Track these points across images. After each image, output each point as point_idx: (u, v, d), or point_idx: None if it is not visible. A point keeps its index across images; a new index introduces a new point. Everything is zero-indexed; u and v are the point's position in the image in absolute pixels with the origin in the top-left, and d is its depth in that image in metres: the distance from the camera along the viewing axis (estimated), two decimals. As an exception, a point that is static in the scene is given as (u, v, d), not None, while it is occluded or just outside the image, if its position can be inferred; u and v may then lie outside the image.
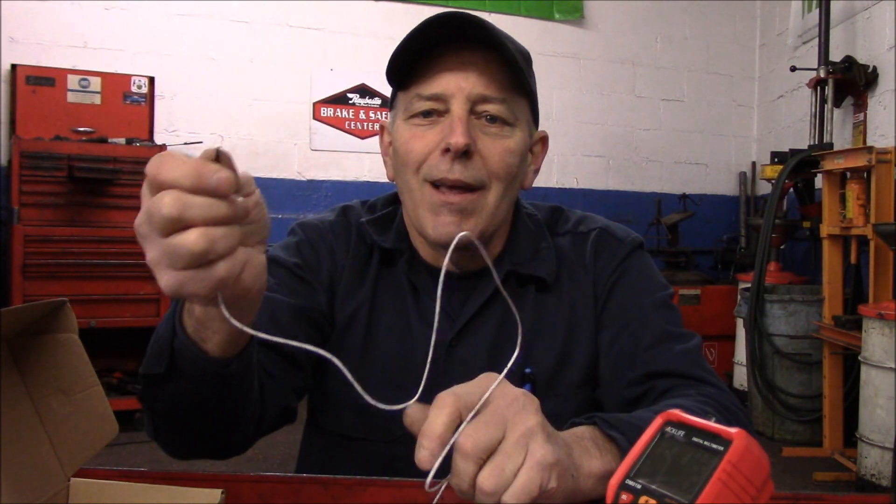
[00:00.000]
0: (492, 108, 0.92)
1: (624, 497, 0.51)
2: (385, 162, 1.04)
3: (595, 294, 1.01)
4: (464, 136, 0.88)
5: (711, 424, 0.51)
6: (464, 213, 0.92)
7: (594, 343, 1.00)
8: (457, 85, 0.90)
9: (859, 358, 3.23)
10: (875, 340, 3.12)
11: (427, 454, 0.57)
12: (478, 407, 0.59)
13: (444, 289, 0.99)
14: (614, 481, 0.52)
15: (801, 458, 3.64)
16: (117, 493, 0.71)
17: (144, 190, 0.55)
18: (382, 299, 1.00)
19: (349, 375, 0.61)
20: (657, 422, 0.54)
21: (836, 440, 3.66)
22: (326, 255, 1.01)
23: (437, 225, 0.92)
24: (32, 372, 0.66)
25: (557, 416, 0.96)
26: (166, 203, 0.52)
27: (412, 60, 0.92)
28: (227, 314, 0.57)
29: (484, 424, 0.58)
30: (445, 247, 0.95)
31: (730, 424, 0.77)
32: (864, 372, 3.18)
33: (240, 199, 0.55)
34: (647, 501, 0.50)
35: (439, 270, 0.97)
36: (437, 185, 0.92)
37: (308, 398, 1.05)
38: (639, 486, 0.51)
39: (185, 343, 0.70)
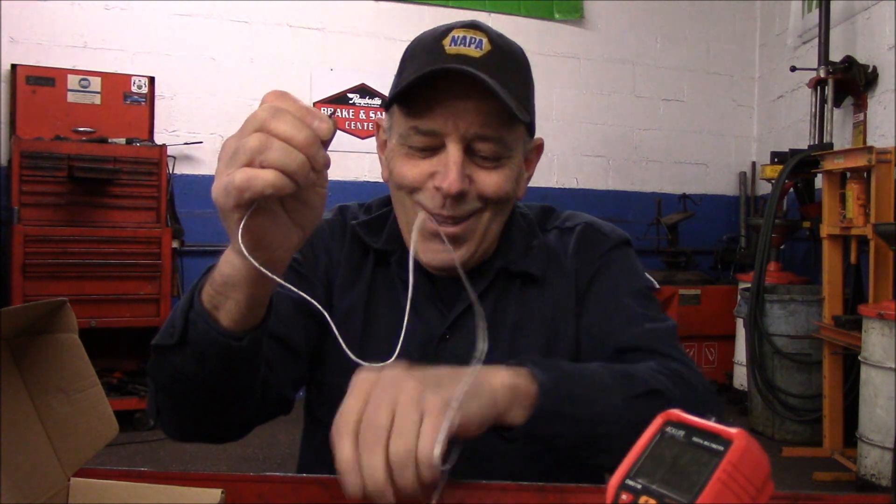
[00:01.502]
0: (486, 149, 0.92)
1: (624, 497, 0.51)
2: (380, 158, 1.05)
3: (577, 285, 1.02)
4: (458, 183, 0.90)
5: (712, 424, 0.52)
6: (456, 240, 0.94)
7: (576, 334, 1.01)
8: (454, 125, 0.90)
9: (859, 358, 3.23)
10: (875, 340, 3.12)
11: (355, 488, 0.63)
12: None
13: (433, 288, 1.01)
14: (614, 481, 0.52)
15: (801, 458, 3.64)
16: (117, 493, 0.71)
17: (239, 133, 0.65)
18: (378, 297, 1.03)
19: (336, 332, 0.70)
20: (657, 422, 0.54)
21: (835, 440, 3.66)
22: (323, 252, 1.04)
23: (427, 251, 0.95)
24: (32, 372, 0.66)
25: None
26: (264, 108, 0.62)
27: (414, 90, 0.92)
28: (240, 240, 0.64)
29: (373, 427, 0.63)
30: (438, 270, 0.98)
31: (687, 399, 0.78)
32: (864, 372, 3.18)
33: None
34: (646, 501, 0.50)
35: (430, 268, 0.99)
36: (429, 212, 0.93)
37: (306, 391, 1.08)
38: (639, 486, 0.51)
39: (201, 313, 0.73)
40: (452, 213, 0.92)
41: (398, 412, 0.63)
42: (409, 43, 1.01)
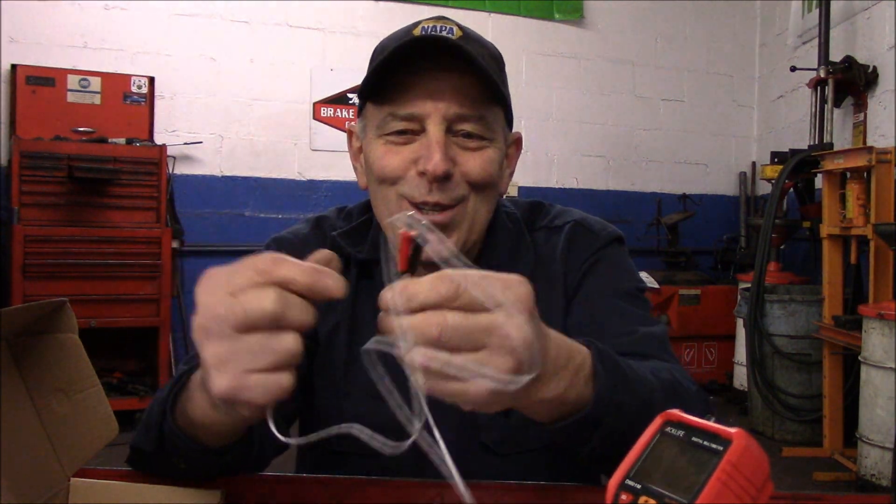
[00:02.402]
0: (468, 127, 0.89)
1: (623, 497, 0.51)
2: (355, 168, 1.01)
3: (565, 286, 0.99)
4: (443, 162, 0.86)
5: (711, 424, 0.51)
6: (444, 229, 0.90)
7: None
8: (433, 105, 0.87)
9: (859, 358, 3.23)
10: (875, 340, 3.12)
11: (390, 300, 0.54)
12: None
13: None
14: (614, 481, 0.52)
15: (801, 458, 3.64)
16: (117, 493, 0.71)
17: (215, 284, 0.54)
18: (363, 311, 0.98)
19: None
20: (657, 422, 0.54)
21: (836, 440, 3.66)
22: None
23: None
24: (32, 372, 0.66)
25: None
26: (271, 298, 0.52)
27: (386, 76, 0.89)
28: (272, 427, 0.56)
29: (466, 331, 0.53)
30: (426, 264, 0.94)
31: (682, 405, 0.73)
32: (864, 372, 3.18)
33: None
34: (646, 501, 0.50)
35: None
36: (415, 203, 0.90)
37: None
38: (638, 487, 0.51)
39: (174, 431, 0.70)
40: (439, 199, 0.88)
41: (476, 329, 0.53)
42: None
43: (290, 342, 0.53)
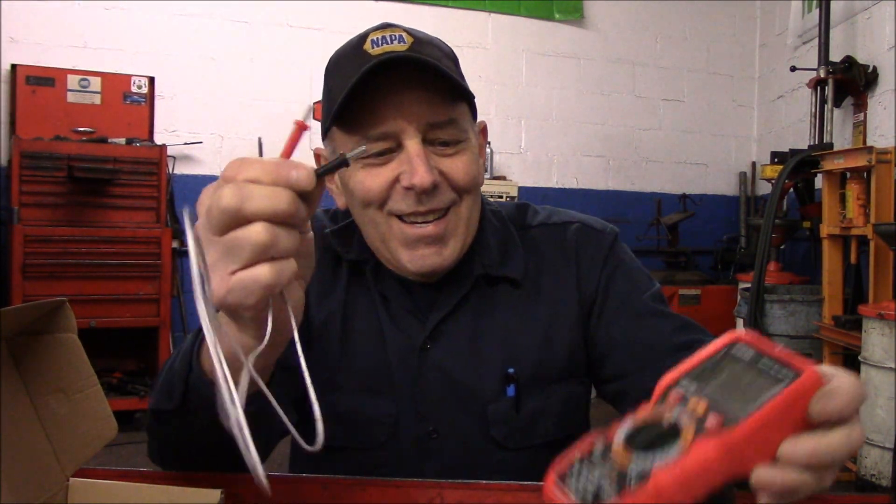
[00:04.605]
0: (444, 135, 0.89)
1: (674, 394, 0.48)
2: (330, 189, 0.99)
3: (579, 286, 1.00)
4: (429, 174, 0.86)
5: (785, 353, 0.47)
6: (441, 240, 0.91)
7: (576, 335, 0.99)
8: (405, 120, 0.86)
9: (859, 358, 3.23)
10: (875, 340, 3.12)
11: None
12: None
13: (410, 298, 0.98)
14: (666, 380, 0.49)
15: (801, 458, 3.64)
16: (117, 493, 0.71)
17: (200, 201, 0.56)
18: (354, 307, 0.99)
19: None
20: (724, 340, 0.50)
21: (836, 440, 3.65)
22: None
23: (415, 258, 0.91)
24: (32, 372, 0.66)
25: (541, 413, 0.98)
26: (225, 194, 0.53)
27: (349, 100, 0.86)
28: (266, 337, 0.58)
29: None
30: (427, 275, 0.95)
31: None
32: (864, 372, 3.18)
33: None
34: (697, 402, 0.47)
35: (406, 278, 0.98)
36: (405, 217, 0.90)
37: None
38: (692, 388, 0.48)
39: (202, 379, 0.70)
40: (431, 207, 0.89)
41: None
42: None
43: (253, 233, 0.52)
